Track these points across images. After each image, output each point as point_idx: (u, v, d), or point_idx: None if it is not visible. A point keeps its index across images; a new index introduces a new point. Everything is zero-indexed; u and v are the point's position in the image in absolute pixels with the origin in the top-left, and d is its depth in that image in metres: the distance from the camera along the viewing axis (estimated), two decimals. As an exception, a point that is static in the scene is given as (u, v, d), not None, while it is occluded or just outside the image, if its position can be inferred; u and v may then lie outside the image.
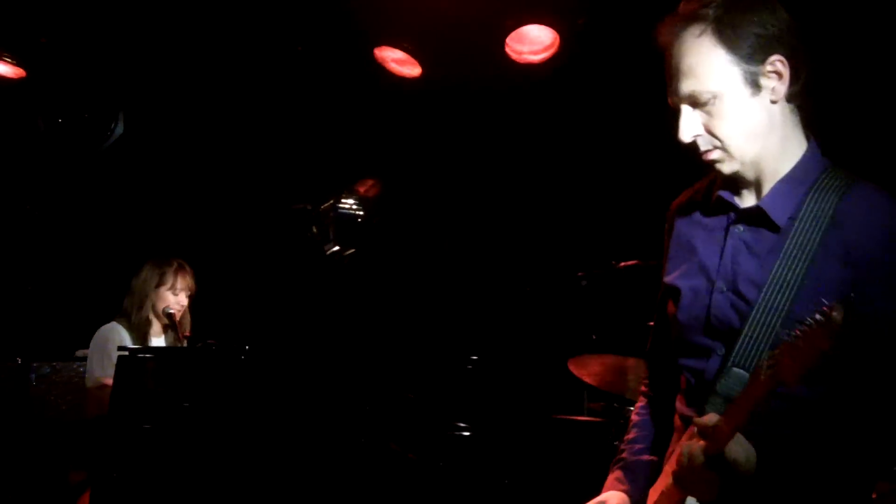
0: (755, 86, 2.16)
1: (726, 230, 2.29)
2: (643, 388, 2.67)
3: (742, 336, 2.14)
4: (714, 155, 2.22)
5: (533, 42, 5.40)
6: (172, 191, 6.82)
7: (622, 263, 4.94)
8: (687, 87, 2.18)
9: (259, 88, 6.26)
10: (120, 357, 4.21)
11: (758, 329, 2.11)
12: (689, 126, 2.21)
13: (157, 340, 5.25)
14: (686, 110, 2.20)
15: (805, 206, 2.17)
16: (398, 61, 5.70)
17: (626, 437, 2.59)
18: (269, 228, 5.96)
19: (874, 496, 4.17)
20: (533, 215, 6.53)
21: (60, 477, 4.99)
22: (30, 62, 5.82)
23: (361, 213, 4.04)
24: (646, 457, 2.49)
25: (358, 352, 4.30)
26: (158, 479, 3.98)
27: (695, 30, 2.16)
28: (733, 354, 2.14)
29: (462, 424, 4.86)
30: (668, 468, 2.27)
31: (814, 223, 2.14)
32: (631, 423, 2.62)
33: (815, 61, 2.25)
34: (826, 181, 2.20)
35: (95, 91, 5.80)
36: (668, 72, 2.23)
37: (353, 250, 3.99)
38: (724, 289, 2.22)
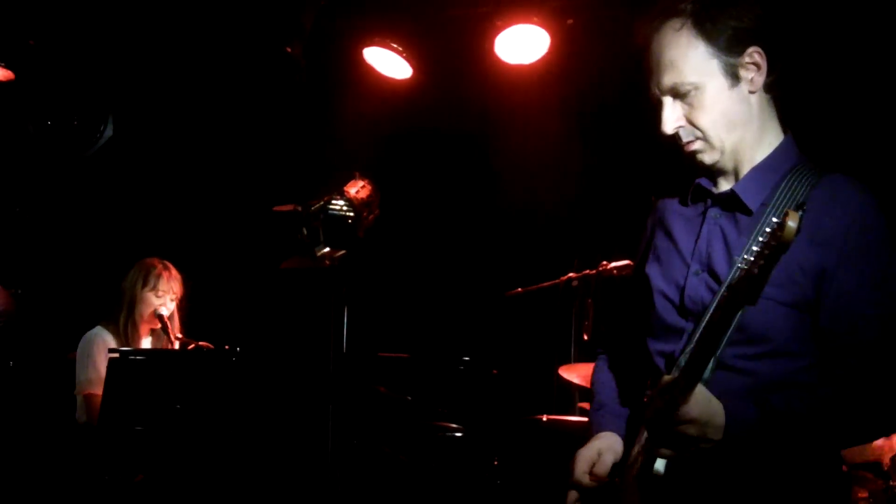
0: (734, 77, 2.24)
1: (703, 216, 2.34)
2: (599, 362, 2.70)
3: (710, 313, 2.18)
4: (695, 146, 2.29)
5: (523, 43, 5.40)
6: (162, 193, 6.81)
7: (612, 263, 4.95)
8: (669, 79, 2.25)
9: (248, 89, 6.25)
10: (111, 360, 4.20)
11: (724, 306, 2.13)
12: (672, 118, 2.27)
13: (145, 343, 5.23)
14: (668, 102, 2.27)
15: (778, 193, 2.23)
16: (387, 62, 5.70)
17: (595, 400, 2.62)
18: (259, 230, 5.95)
19: (865, 495, 4.19)
20: (524, 216, 6.53)
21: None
22: (19, 65, 5.80)
23: (352, 214, 4.02)
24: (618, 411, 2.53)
25: (349, 353, 4.30)
26: (151, 482, 3.97)
27: (674, 24, 2.24)
28: (701, 329, 2.18)
29: (454, 425, 4.86)
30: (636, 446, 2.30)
31: (785, 208, 2.18)
32: (594, 387, 2.65)
33: (791, 54, 2.32)
34: (799, 171, 2.27)
35: (84, 94, 5.79)
36: (648, 66, 2.30)
37: (343, 252, 3.98)
38: (699, 271, 2.28)
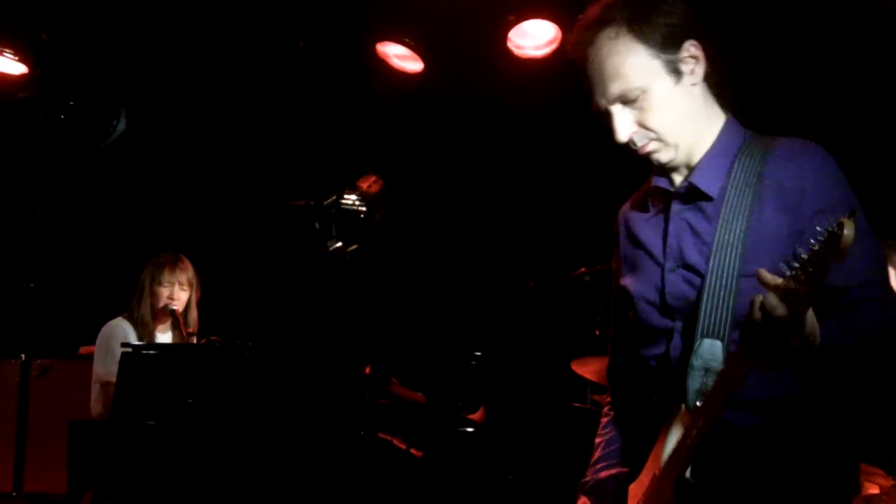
0: (677, 73, 2.25)
1: (666, 215, 2.35)
2: (606, 408, 2.67)
3: (703, 307, 2.17)
4: (651, 146, 2.29)
5: (534, 37, 5.40)
6: (174, 188, 6.82)
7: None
8: (616, 88, 2.25)
9: (261, 84, 6.26)
10: (123, 354, 4.21)
11: (717, 295, 2.15)
12: (624, 125, 2.28)
13: (163, 337, 5.25)
14: (617, 110, 2.27)
15: (733, 173, 2.24)
16: (400, 57, 5.70)
17: (591, 461, 2.57)
18: (272, 224, 5.95)
19: (877, 491, 4.18)
20: (536, 211, 6.53)
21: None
22: (32, 59, 5.81)
23: (364, 208, 4.03)
24: (605, 473, 2.49)
25: (361, 347, 4.31)
26: (163, 477, 3.98)
27: (609, 32, 2.25)
28: (699, 327, 2.16)
29: (465, 420, 4.86)
30: (654, 458, 2.28)
31: (745, 185, 2.21)
32: (595, 445, 2.61)
33: (720, 40, 2.34)
34: (749, 147, 2.29)
35: (97, 88, 5.80)
36: (589, 79, 2.30)
37: (355, 246, 3.99)
38: (675, 267, 2.28)
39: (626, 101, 2.25)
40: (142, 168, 6.69)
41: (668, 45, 2.23)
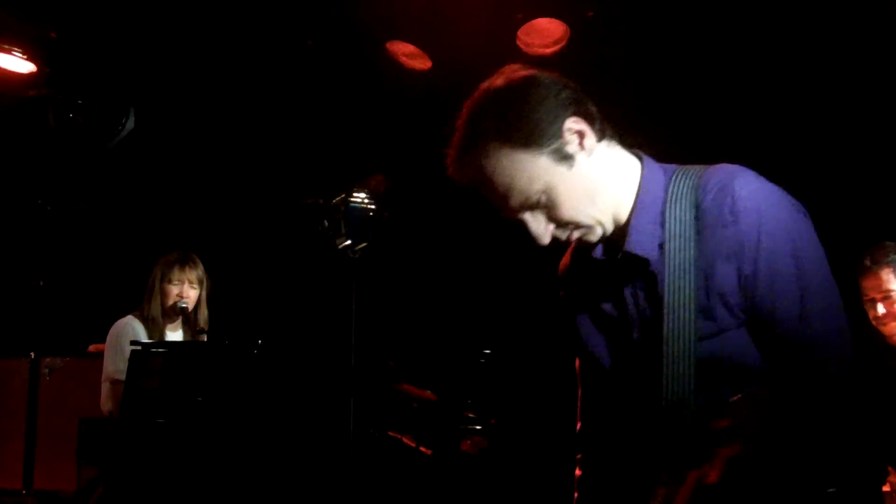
0: (567, 158, 2.11)
1: (616, 282, 2.24)
2: (578, 473, 2.56)
3: (664, 374, 2.10)
4: (576, 235, 2.19)
5: (543, 35, 5.40)
6: (185, 185, 6.82)
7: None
8: (515, 200, 2.13)
9: (270, 83, 6.26)
10: (133, 352, 4.22)
11: (676, 362, 2.09)
12: (540, 229, 2.17)
13: (173, 335, 5.25)
14: (528, 218, 2.16)
15: (668, 226, 2.13)
16: (409, 54, 5.70)
17: None
18: (281, 223, 5.95)
19: (888, 489, 4.17)
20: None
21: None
22: (41, 57, 5.82)
23: (373, 207, 4.03)
24: None
25: (370, 346, 4.30)
26: (172, 474, 3.99)
27: (484, 150, 2.11)
28: (664, 395, 2.10)
29: (474, 418, 4.86)
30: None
31: (683, 238, 2.11)
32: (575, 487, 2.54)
33: (596, 93, 2.21)
34: (676, 190, 2.17)
35: (106, 86, 5.81)
36: (487, 196, 2.19)
37: (364, 244, 3.99)
38: (641, 337, 2.20)
39: (531, 207, 2.14)
40: (151, 166, 6.69)
41: (547, 137, 2.08)
